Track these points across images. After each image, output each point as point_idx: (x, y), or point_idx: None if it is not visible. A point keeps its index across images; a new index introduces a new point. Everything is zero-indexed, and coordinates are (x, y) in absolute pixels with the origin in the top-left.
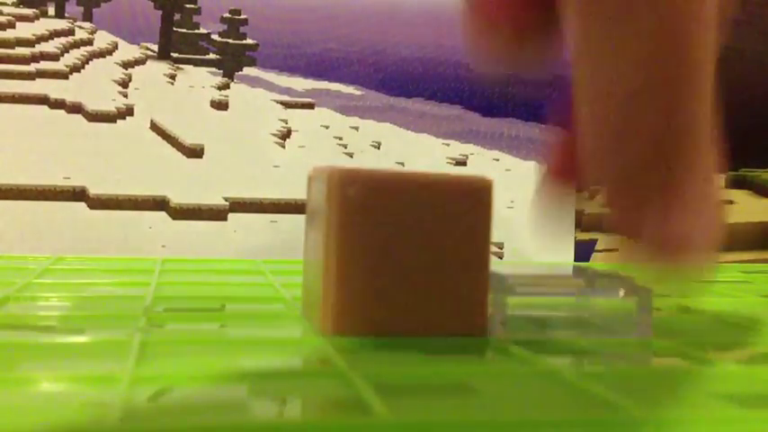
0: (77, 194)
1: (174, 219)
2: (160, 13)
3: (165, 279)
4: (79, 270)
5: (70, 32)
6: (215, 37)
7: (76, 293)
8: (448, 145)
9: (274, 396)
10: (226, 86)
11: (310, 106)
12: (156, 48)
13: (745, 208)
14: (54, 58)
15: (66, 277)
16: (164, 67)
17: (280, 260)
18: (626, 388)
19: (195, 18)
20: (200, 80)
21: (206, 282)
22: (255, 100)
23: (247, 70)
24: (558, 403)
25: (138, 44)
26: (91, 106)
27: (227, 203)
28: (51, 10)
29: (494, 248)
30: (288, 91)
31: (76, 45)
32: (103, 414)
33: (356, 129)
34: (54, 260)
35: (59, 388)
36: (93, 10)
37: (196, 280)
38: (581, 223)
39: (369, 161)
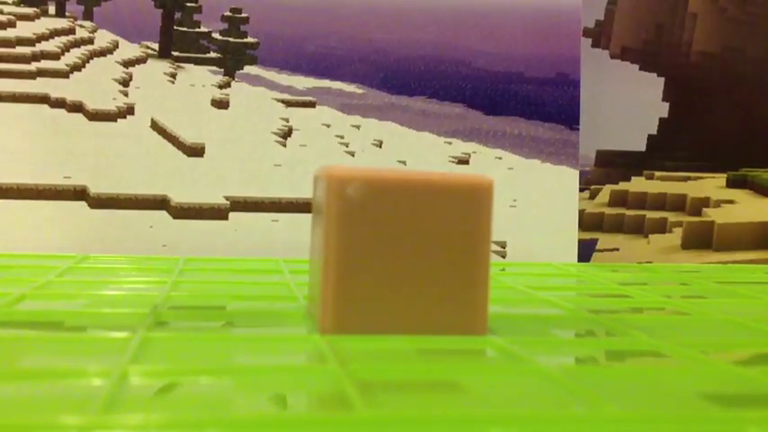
0: (78, 193)
1: (174, 218)
2: (161, 11)
3: (183, 278)
4: (102, 269)
5: (71, 31)
6: (216, 35)
7: (93, 291)
8: (450, 143)
9: (257, 392)
10: (227, 85)
11: (311, 105)
12: (156, 46)
13: (746, 208)
14: (54, 56)
15: (87, 276)
16: (164, 66)
17: (300, 260)
18: (618, 386)
19: (196, 16)
20: (201, 79)
21: (223, 281)
22: (256, 98)
23: (248, 69)
24: (544, 400)
25: (139, 43)
26: (91, 105)
27: (228, 202)
28: (52, 9)
29: (497, 247)
30: (289, 89)
31: (77, 44)
32: (84, 408)
33: (357, 127)
34: (79, 259)
35: (50, 382)
36: (94, 9)
37: (213, 279)
38: (582, 222)
39: (370, 160)
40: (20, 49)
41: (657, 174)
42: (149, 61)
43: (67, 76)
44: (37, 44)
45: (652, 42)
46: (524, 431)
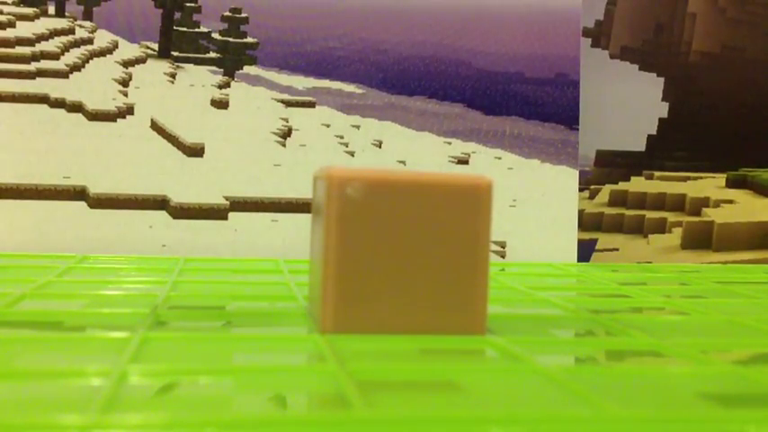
0: (77, 193)
1: (174, 218)
2: (160, 11)
3: (183, 278)
4: (102, 269)
5: (70, 31)
6: (215, 35)
7: (93, 291)
8: (450, 143)
9: (257, 392)
10: (226, 85)
11: (311, 105)
12: (156, 46)
13: (746, 208)
14: (54, 56)
15: (87, 276)
16: (164, 66)
17: (300, 260)
18: (618, 386)
19: (195, 17)
20: (201, 79)
21: (222, 281)
22: (256, 98)
23: (248, 69)
24: (544, 400)
25: (139, 43)
26: (91, 105)
27: (228, 202)
28: (52, 9)
29: (496, 247)
30: (288, 89)
31: (77, 44)
32: (84, 408)
33: (357, 127)
34: (79, 259)
35: (50, 382)
36: (94, 9)
37: (213, 279)
38: (581, 222)
39: (370, 160)
40: (19, 49)
41: (657, 174)
42: (149, 61)
43: (67, 76)
44: (36, 44)
45: (652, 42)
46: (524, 431)
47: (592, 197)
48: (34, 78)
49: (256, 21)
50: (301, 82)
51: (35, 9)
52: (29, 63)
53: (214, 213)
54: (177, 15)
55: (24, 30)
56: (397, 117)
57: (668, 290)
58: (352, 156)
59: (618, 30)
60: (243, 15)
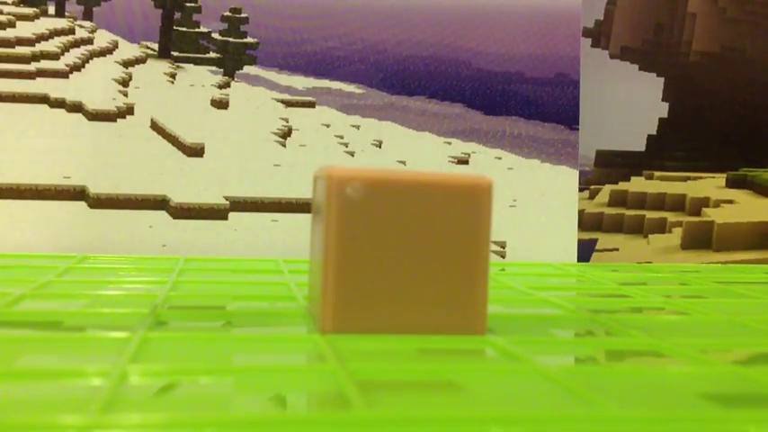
0: (77, 193)
1: (174, 218)
2: (160, 11)
3: (183, 278)
4: (102, 269)
5: (70, 31)
6: (215, 35)
7: (93, 291)
8: (450, 143)
9: (257, 392)
10: (226, 85)
11: (311, 105)
12: (156, 46)
13: (745, 208)
14: (54, 57)
15: (87, 276)
16: (164, 66)
17: (300, 260)
18: (618, 386)
19: (195, 17)
20: (201, 79)
21: (223, 281)
22: (256, 98)
23: (248, 69)
24: (544, 400)
25: (139, 43)
26: (91, 105)
27: (228, 202)
28: (52, 9)
29: (496, 247)
30: (288, 89)
31: (77, 44)
32: (84, 408)
33: (357, 127)
34: (79, 259)
35: (50, 382)
36: (94, 9)
37: (213, 279)
38: (581, 222)
39: (370, 160)
40: (20, 49)
41: (657, 174)
42: (149, 61)
43: (67, 76)
44: (37, 44)
45: (651, 42)
46: (524, 431)
47: (592, 197)
48: (34, 78)
49: (256, 21)
50: (301, 82)
51: (35, 9)
52: (29, 63)
53: (214, 213)
54: (177, 15)
55: (24, 30)
56: (397, 117)
57: (668, 290)
58: (352, 156)
59: (618, 30)
60: (243, 15)
